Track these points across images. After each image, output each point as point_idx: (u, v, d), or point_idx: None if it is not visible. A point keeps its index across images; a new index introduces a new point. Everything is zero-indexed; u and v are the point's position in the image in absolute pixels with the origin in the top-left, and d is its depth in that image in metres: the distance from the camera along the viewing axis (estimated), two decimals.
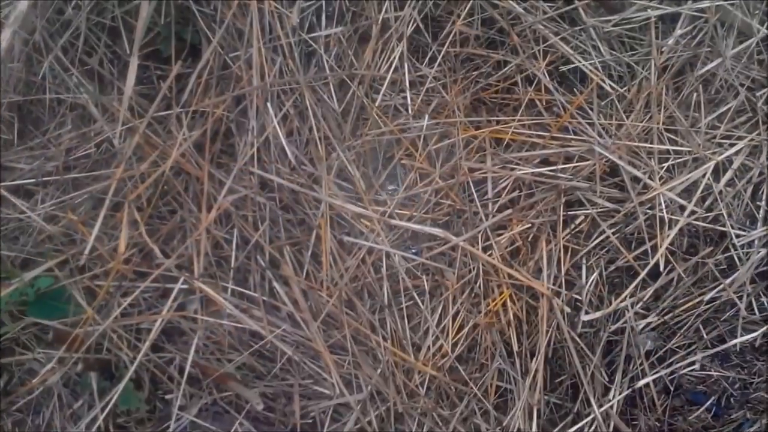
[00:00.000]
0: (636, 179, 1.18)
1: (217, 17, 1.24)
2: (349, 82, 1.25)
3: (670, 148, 1.17)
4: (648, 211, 1.16)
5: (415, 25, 1.26)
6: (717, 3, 1.17)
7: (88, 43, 1.32)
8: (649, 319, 1.17)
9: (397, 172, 1.24)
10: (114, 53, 1.33)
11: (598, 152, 1.15)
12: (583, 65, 1.21)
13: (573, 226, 1.18)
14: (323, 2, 1.27)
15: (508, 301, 1.15)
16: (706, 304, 1.18)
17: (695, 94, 1.21)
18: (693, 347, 1.20)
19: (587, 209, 1.19)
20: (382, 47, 1.27)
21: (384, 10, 1.25)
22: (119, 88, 1.31)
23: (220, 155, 1.25)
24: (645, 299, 1.16)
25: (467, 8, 1.25)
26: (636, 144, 1.17)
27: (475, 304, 1.18)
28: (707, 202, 1.17)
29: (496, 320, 1.16)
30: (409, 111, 1.25)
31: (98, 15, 1.32)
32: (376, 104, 1.25)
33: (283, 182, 1.17)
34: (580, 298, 1.16)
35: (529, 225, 1.18)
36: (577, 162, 1.19)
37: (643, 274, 1.14)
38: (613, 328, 1.17)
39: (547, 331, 1.13)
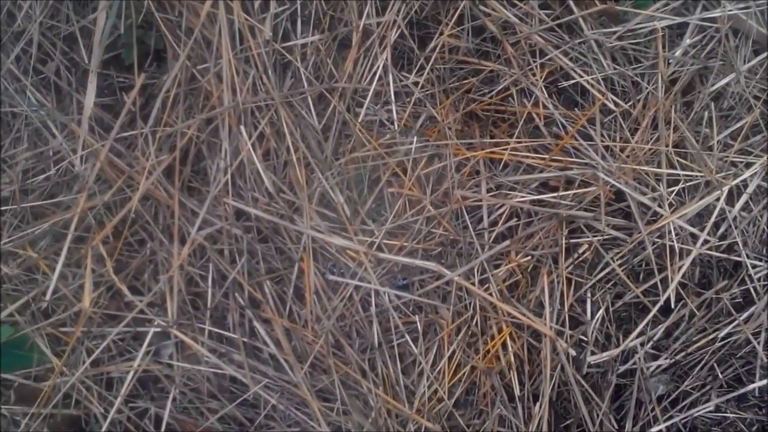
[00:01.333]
0: (644, 205, 1.13)
1: (182, 24, 1.17)
2: (328, 95, 1.19)
3: (681, 173, 1.12)
4: (657, 240, 1.12)
5: (399, 31, 1.19)
6: (729, 12, 1.12)
7: (43, 50, 1.25)
8: (660, 361, 1.13)
9: (384, 195, 1.19)
10: (71, 60, 1.27)
11: (603, 178, 1.10)
12: (585, 80, 1.15)
13: (576, 255, 1.14)
14: (298, 6, 1.20)
15: (508, 339, 1.11)
16: (720, 341, 1.14)
17: (706, 112, 1.16)
18: (707, 388, 1.16)
19: (591, 236, 1.14)
20: (364, 55, 1.21)
21: (365, 14, 1.19)
22: (78, 100, 1.25)
23: (191, 179, 1.19)
24: (656, 338, 1.12)
25: (456, 15, 1.19)
26: (643, 168, 1.12)
27: (471, 343, 1.13)
28: (721, 230, 1.14)
29: (496, 362, 1.12)
30: (396, 126, 1.20)
31: (52, 18, 1.25)
32: (360, 120, 1.19)
33: (261, 214, 1.11)
34: (585, 338, 1.12)
35: (529, 257, 1.13)
36: (579, 187, 1.14)
37: (654, 311, 1.11)
38: (622, 369, 1.13)
39: (551, 375, 1.09)
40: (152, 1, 1.17)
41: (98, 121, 1.22)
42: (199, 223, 1.11)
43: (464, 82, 1.24)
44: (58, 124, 1.22)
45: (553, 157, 1.15)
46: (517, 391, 1.12)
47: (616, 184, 1.11)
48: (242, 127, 1.14)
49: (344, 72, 1.20)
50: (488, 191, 1.16)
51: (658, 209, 1.12)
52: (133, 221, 1.18)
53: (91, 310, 1.11)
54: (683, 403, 1.16)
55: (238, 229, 1.14)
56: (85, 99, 1.18)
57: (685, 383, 1.16)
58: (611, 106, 1.17)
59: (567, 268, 1.14)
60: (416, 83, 1.22)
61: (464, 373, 1.13)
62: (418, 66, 1.23)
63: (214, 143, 1.18)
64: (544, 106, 1.18)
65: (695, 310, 1.13)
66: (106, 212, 1.19)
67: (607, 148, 1.15)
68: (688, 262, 1.10)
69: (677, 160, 1.15)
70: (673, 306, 1.12)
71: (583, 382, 1.12)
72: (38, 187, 1.24)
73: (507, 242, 1.13)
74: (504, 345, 1.13)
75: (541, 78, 1.18)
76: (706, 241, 1.12)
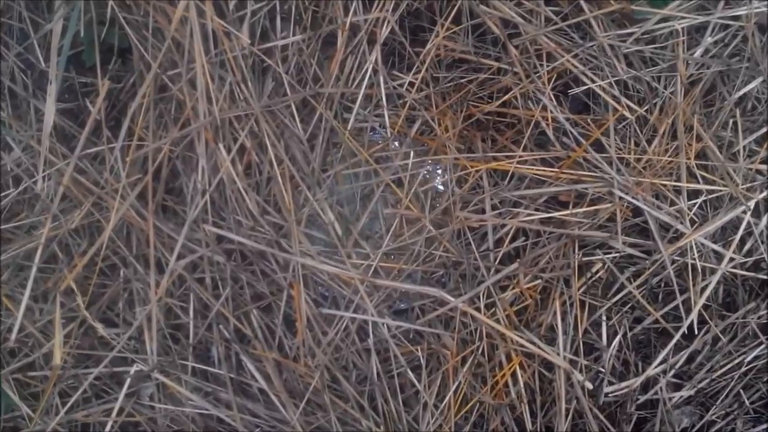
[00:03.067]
0: (662, 220, 1.08)
1: (149, 24, 1.09)
2: (313, 102, 1.12)
3: (704, 187, 1.06)
4: (677, 258, 1.07)
5: (389, 27, 1.12)
6: (756, 9, 1.05)
7: None
8: (683, 392, 1.08)
9: (379, 210, 1.12)
10: (25, 61, 1.19)
11: (619, 195, 1.05)
12: (597, 85, 1.08)
13: (589, 275, 1.09)
14: (277, 2, 1.12)
15: (518, 369, 1.06)
16: (746, 365, 1.09)
17: (731, 119, 1.10)
18: (732, 417, 1.12)
19: (603, 255, 1.09)
20: (351, 55, 1.14)
21: (352, 11, 1.11)
22: (36, 107, 1.17)
23: (165, 198, 1.13)
24: (678, 365, 1.08)
25: (452, 13, 1.12)
26: (662, 182, 1.06)
27: (477, 374, 1.08)
28: (747, 245, 1.09)
29: (505, 393, 1.07)
30: (389, 133, 1.13)
31: (2, 15, 1.18)
32: (349, 127, 1.12)
33: (246, 242, 1.05)
34: (602, 370, 1.08)
35: (538, 279, 1.08)
36: (592, 202, 1.08)
37: (677, 337, 1.08)
38: (642, 399, 1.08)
39: (566, 409, 1.05)
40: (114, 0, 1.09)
41: (59, 129, 1.15)
42: (177, 251, 1.05)
43: (462, 81, 1.17)
44: (15, 138, 1.15)
45: (564, 170, 1.09)
46: (528, 425, 1.08)
47: (633, 201, 1.05)
48: (221, 145, 1.07)
49: (330, 74, 1.13)
50: (492, 207, 1.11)
51: (679, 227, 1.06)
52: (103, 245, 1.12)
53: (64, 351, 1.05)
54: None
55: (220, 256, 1.07)
56: (44, 106, 1.11)
57: (710, 412, 1.12)
58: (627, 114, 1.10)
59: (579, 289, 1.09)
60: (411, 84, 1.16)
61: (471, 407, 1.08)
62: (411, 65, 1.17)
63: (189, 158, 1.11)
64: (554, 118, 1.12)
65: (720, 335, 1.09)
66: (73, 234, 1.12)
67: (621, 159, 1.09)
68: (713, 283, 1.06)
69: (698, 169, 1.09)
70: (696, 331, 1.07)
71: (601, 416, 1.07)
72: None
73: (515, 265, 1.08)
74: (513, 375, 1.08)
75: (548, 83, 1.11)
76: (731, 259, 1.07)
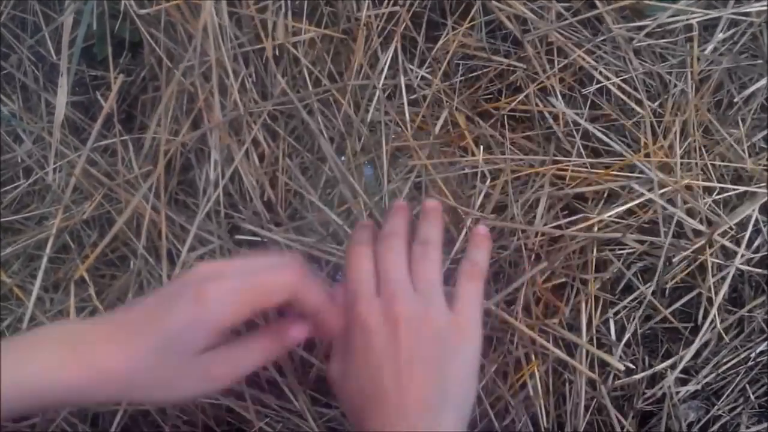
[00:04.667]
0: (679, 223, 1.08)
1: (161, 18, 1.09)
2: (331, 97, 1.13)
3: (716, 185, 1.07)
4: (690, 254, 1.08)
5: (404, 24, 1.13)
6: (764, 7, 1.06)
7: (5, 42, 1.19)
8: (689, 387, 1.09)
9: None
10: (37, 54, 1.20)
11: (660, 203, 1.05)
12: (612, 82, 1.09)
13: (604, 272, 1.09)
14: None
15: (535, 368, 1.06)
16: (752, 361, 1.10)
17: (740, 115, 1.11)
18: (738, 411, 1.13)
19: (619, 251, 1.09)
20: (367, 51, 1.15)
21: (366, 6, 1.12)
22: (47, 100, 1.18)
23: (177, 190, 1.13)
24: (685, 360, 1.08)
25: (469, 12, 1.13)
26: (698, 183, 1.07)
27: (496, 371, 1.08)
28: (755, 243, 1.10)
29: (520, 388, 1.07)
30: (408, 129, 1.14)
31: (15, 8, 1.19)
32: (367, 122, 1.13)
33: (261, 232, 1.06)
34: (620, 368, 1.08)
35: (563, 279, 1.08)
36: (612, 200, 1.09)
37: (686, 334, 1.07)
38: (649, 393, 1.09)
39: (580, 404, 1.05)
40: None
41: (70, 122, 1.15)
42: (188, 243, 1.05)
43: (471, 76, 1.18)
44: (26, 130, 1.15)
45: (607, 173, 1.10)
46: (543, 422, 1.07)
47: (672, 210, 1.06)
48: (232, 136, 1.08)
49: (351, 69, 1.14)
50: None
51: (698, 226, 1.07)
52: (114, 237, 1.12)
53: None
54: (713, 428, 1.13)
55: (232, 245, 1.08)
56: (55, 99, 1.12)
57: (716, 407, 1.12)
58: (647, 113, 1.11)
59: (595, 286, 1.09)
60: (425, 81, 1.16)
61: (490, 403, 1.08)
62: (422, 60, 1.18)
63: (202, 150, 1.11)
64: (576, 122, 1.12)
65: (724, 332, 1.09)
66: (84, 226, 1.13)
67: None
68: (728, 280, 1.06)
69: (710, 171, 1.10)
70: (703, 325, 1.08)
71: (614, 411, 1.07)
72: (6, 199, 1.18)
73: (544, 263, 1.07)
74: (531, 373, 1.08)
75: (566, 79, 1.12)
76: (741, 255, 1.08)
